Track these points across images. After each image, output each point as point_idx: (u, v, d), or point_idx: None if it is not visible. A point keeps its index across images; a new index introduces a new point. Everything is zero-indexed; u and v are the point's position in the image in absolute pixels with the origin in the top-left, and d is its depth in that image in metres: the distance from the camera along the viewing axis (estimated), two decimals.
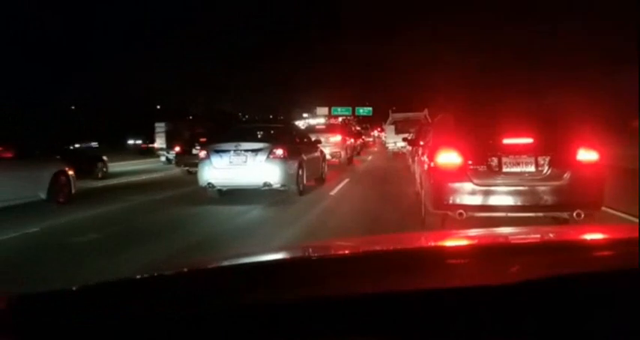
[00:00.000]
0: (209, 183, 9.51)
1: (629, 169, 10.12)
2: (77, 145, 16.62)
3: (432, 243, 1.75)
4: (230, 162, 9.43)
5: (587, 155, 5.54)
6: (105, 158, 16.48)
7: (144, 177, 16.06)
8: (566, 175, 5.49)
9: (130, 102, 48.26)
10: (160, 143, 23.21)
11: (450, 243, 1.71)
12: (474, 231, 2.29)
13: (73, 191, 10.03)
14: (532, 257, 1.23)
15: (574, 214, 5.35)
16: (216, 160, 9.48)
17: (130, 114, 42.80)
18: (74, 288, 1.08)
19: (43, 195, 9.13)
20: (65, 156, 13.04)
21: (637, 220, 6.15)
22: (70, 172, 10.06)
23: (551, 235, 1.83)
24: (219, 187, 9.62)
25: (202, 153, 9.95)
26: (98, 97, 45.60)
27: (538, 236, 1.83)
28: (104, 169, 16.09)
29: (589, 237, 1.73)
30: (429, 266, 1.16)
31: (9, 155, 8.82)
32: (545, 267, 1.09)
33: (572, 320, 0.92)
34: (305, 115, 60.79)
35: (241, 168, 9.37)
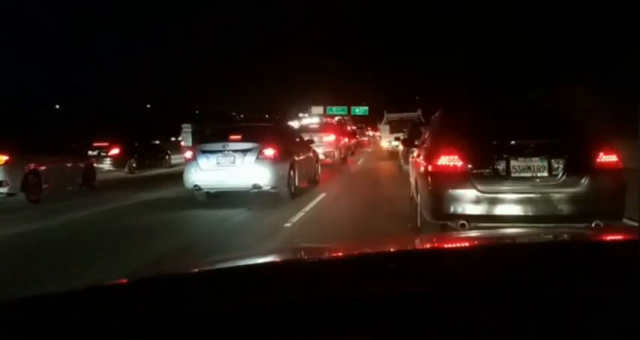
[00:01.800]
0: (195, 186, 8.56)
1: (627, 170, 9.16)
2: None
3: (430, 245, 1.65)
4: (217, 163, 8.48)
5: (607, 158, 4.59)
6: (169, 152, 20.52)
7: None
8: (584, 181, 4.54)
9: (131, 102, 47.43)
10: (186, 141, 24.46)
11: (448, 244, 1.64)
12: (473, 233, 2.22)
13: (95, 178, 12.37)
14: (532, 258, 1.13)
15: (592, 225, 4.41)
16: (203, 161, 8.52)
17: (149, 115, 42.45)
18: (74, 290, 1.05)
19: (79, 181, 11.36)
20: (147, 151, 18.87)
21: (633, 223, 5.27)
22: (94, 164, 12.83)
23: (551, 237, 1.72)
24: (206, 190, 8.67)
25: (188, 154, 9.03)
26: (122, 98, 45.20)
27: (538, 237, 1.74)
28: (170, 161, 19.96)
29: (589, 238, 1.65)
30: (428, 268, 1.11)
31: (68, 152, 11.77)
32: (546, 269, 1.02)
33: (573, 322, 0.87)
34: (301, 115, 59.34)
35: (229, 169, 8.44)
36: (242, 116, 63.74)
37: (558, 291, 0.92)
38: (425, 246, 1.60)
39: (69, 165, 11.07)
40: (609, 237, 1.58)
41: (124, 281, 1.18)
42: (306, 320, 0.89)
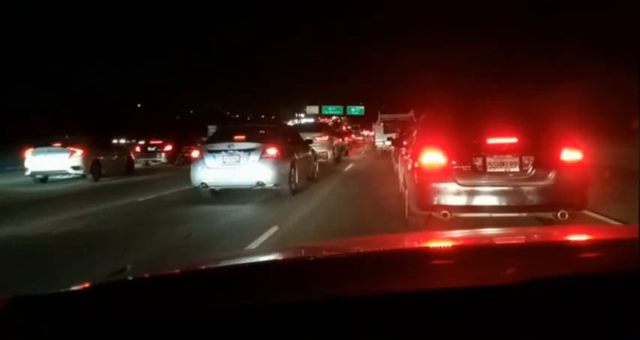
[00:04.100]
0: (202, 183, 8.90)
1: (620, 169, 9.42)
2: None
3: (428, 245, 1.59)
4: (223, 162, 8.85)
5: (571, 155, 5.09)
6: None
7: None
8: (551, 175, 5.04)
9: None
10: None
11: (448, 243, 1.56)
12: (473, 232, 2.11)
13: (134, 168, 16.61)
14: (531, 257, 1.12)
15: (558, 214, 4.91)
16: (210, 160, 8.89)
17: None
18: (74, 289, 1.03)
19: (123, 169, 15.52)
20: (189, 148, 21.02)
21: (617, 223, 5.67)
22: (132, 157, 17.31)
23: (551, 236, 1.70)
24: (212, 187, 9.03)
25: (195, 154, 9.35)
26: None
27: (538, 236, 1.68)
28: None
29: (589, 237, 1.58)
30: (426, 268, 1.08)
31: (116, 148, 17.03)
32: (545, 268, 1.00)
33: (572, 321, 0.86)
34: (297, 115, 58.83)
35: (234, 167, 8.80)
36: (237, 116, 62.86)
37: (557, 292, 0.90)
38: (421, 247, 1.55)
39: (117, 157, 15.61)
40: (610, 237, 1.53)
41: (121, 280, 1.17)
42: (302, 320, 0.89)
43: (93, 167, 13.96)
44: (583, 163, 5.14)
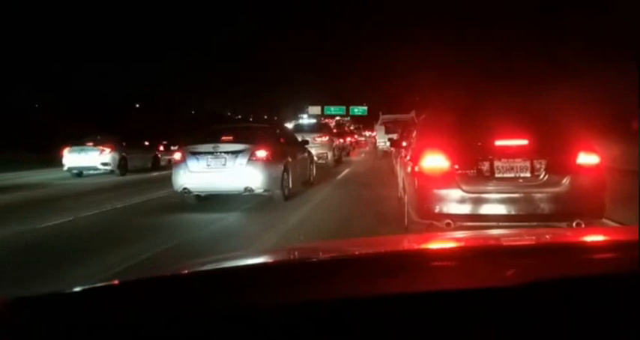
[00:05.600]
0: (184, 189, 8.41)
1: (619, 170, 9.19)
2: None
3: (429, 246, 1.61)
4: (208, 165, 8.36)
5: (587, 158, 4.76)
6: None
7: None
8: (565, 181, 4.70)
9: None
10: None
11: (448, 244, 1.61)
12: (473, 233, 2.14)
13: (159, 164, 19.04)
14: (532, 259, 1.14)
15: (574, 224, 4.59)
16: (193, 163, 8.39)
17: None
18: (74, 289, 1.06)
19: (149, 165, 18.42)
20: None
21: (613, 223, 5.39)
22: (158, 154, 19.81)
23: (552, 237, 1.72)
24: (196, 193, 8.58)
25: (177, 156, 8.87)
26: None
27: (538, 238, 1.71)
28: None
29: (589, 239, 1.64)
30: (426, 269, 1.09)
31: (144, 146, 18.98)
32: (545, 269, 1.02)
33: (572, 322, 0.87)
34: (299, 115, 58.76)
35: (220, 171, 8.31)
36: (239, 117, 63.05)
37: (558, 293, 0.91)
38: (422, 247, 1.58)
39: (143, 154, 18.40)
40: (610, 238, 1.55)
41: (121, 280, 1.19)
42: (301, 320, 0.89)
43: (120, 163, 16.64)
44: (600, 168, 4.83)
